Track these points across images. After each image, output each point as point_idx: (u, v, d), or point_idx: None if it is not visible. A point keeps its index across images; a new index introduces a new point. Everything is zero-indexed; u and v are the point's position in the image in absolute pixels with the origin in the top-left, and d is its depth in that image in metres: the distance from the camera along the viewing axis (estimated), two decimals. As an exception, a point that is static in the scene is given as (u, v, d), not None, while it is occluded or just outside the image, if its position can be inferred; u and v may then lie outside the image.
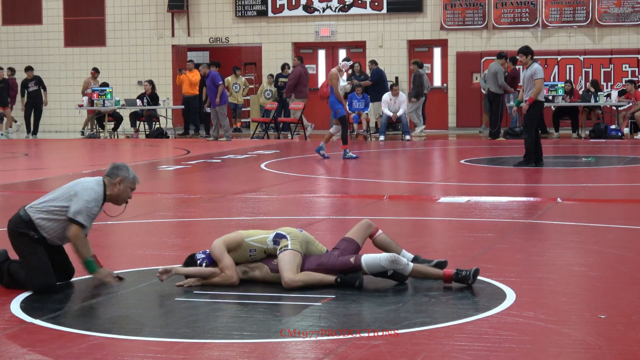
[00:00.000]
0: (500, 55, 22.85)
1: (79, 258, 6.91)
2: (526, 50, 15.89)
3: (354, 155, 17.68)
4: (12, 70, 27.04)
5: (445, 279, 6.83)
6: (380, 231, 7.26)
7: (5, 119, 26.44)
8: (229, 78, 26.26)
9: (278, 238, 7.04)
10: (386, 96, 23.26)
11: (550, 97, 22.21)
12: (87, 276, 7.38)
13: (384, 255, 6.85)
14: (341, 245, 7.16)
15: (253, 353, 5.32)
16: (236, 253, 7.06)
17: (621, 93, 23.14)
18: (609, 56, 24.76)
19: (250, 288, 6.87)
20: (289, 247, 6.97)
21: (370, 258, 6.86)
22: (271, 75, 26.39)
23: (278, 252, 6.99)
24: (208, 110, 23.87)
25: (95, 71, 26.38)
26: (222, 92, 23.20)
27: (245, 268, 7.09)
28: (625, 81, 23.65)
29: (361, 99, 23.72)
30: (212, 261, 7.09)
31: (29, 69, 26.34)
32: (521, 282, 6.93)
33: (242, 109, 27.66)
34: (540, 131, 15.85)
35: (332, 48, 27.40)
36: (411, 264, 6.86)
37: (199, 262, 7.13)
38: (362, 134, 23.59)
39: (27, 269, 6.90)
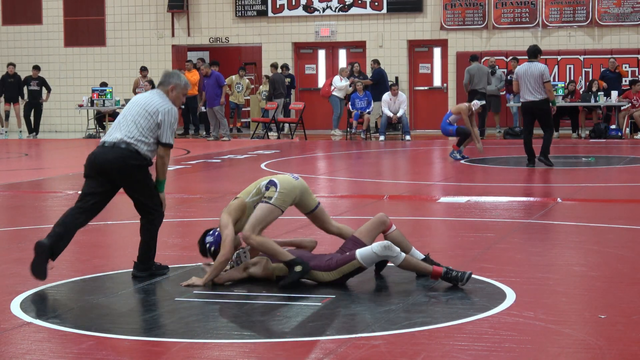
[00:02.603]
0: (475, 57, 23.21)
1: (159, 176, 7.31)
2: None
3: (459, 157, 17.25)
4: None
5: (433, 275, 6.80)
6: (394, 227, 7.19)
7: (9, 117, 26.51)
8: (233, 77, 26.25)
9: (270, 184, 7.02)
10: (386, 96, 23.25)
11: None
12: (87, 276, 7.39)
13: (375, 244, 6.83)
14: (347, 245, 7.11)
15: (253, 353, 5.32)
16: (245, 216, 7.05)
17: (621, 93, 23.14)
18: (609, 56, 24.75)
19: (250, 288, 6.87)
20: (271, 202, 6.94)
21: (363, 250, 6.83)
22: (266, 76, 26.40)
23: (262, 199, 6.97)
24: (203, 109, 23.89)
25: (144, 69, 26.12)
26: (220, 92, 23.33)
27: (247, 265, 7.08)
28: (629, 81, 23.61)
29: (364, 97, 23.72)
30: (217, 244, 7.12)
31: (35, 67, 26.34)
32: (521, 282, 6.93)
33: (242, 109, 27.67)
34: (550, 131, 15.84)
35: (332, 48, 27.40)
36: (403, 254, 6.81)
37: (207, 245, 7.17)
38: (358, 134, 23.63)
39: (154, 200, 7.29)
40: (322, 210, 7.27)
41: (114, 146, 7.24)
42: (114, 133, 7.32)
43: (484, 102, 17.96)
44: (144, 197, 7.30)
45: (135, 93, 25.87)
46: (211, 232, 7.26)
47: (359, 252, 6.82)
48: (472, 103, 17.37)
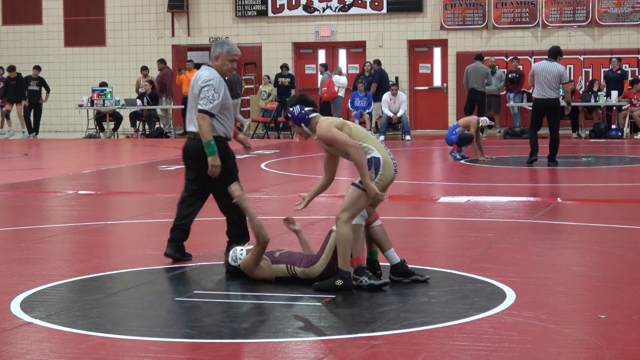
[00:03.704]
0: (479, 56, 23.28)
1: (202, 138, 7.62)
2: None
3: (458, 157, 17.25)
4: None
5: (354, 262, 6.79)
6: (379, 222, 7.03)
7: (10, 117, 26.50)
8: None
9: (373, 164, 6.78)
10: (386, 96, 23.25)
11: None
12: (86, 276, 7.39)
13: None
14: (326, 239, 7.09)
15: (253, 353, 5.32)
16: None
17: (621, 93, 23.13)
18: (609, 56, 24.75)
19: (250, 288, 6.87)
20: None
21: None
22: (267, 76, 26.41)
23: (358, 180, 6.78)
24: None
25: (144, 69, 26.14)
26: None
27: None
28: (630, 81, 23.60)
29: (364, 97, 23.70)
30: (296, 121, 6.98)
31: (36, 67, 26.35)
32: (521, 282, 6.93)
33: (242, 109, 27.63)
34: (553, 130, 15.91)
35: (332, 48, 27.39)
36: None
37: (289, 114, 7.07)
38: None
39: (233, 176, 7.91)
40: None
41: (194, 137, 7.76)
42: (189, 124, 7.81)
43: (492, 124, 17.99)
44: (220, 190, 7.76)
45: (137, 93, 25.93)
46: (295, 107, 7.00)
47: (334, 228, 6.80)
48: (482, 119, 17.41)
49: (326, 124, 6.84)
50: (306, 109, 6.98)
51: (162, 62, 26.43)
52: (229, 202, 7.51)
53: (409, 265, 7.03)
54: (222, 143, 7.79)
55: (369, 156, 6.77)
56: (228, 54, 7.75)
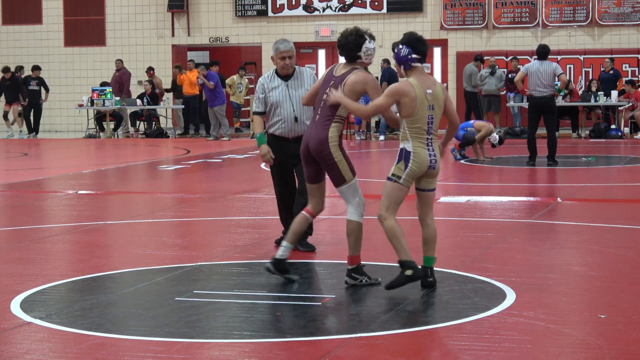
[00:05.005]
0: (475, 57, 23.41)
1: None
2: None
3: (459, 157, 17.27)
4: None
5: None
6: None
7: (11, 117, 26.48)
8: (234, 77, 26.20)
9: (402, 158, 6.70)
10: (386, 96, 23.26)
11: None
12: (86, 276, 7.40)
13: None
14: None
15: (253, 353, 5.32)
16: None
17: (621, 93, 23.14)
18: (609, 56, 24.75)
19: (250, 288, 6.88)
20: (400, 181, 6.71)
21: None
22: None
23: (390, 173, 6.74)
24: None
25: (150, 69, 26.22)
26: (220, 92, 23.39)
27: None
28: (625, 81, 23.63)
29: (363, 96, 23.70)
30: (398, 60, 6.86)
31: (36, 68, 26.35)
32: (521, 282, 6.93)
33: (243, 109, 27.63)
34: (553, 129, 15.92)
35: (332, 48, 27.40)
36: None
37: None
38: (360, 134, 23.62)
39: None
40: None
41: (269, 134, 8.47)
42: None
43: (497, 145, 18.01)
44: None
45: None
46: (404, 48, 6.78)
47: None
48: (493, 136, 17.36)
49: (401, 84, 6.77)
50: (413, 55, 6.79)
51: (120, 61, 26.50)
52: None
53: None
54: (274, 139, 8.27)
55: (402, 145, 6.73)
56: (276, 53, 8.43)
